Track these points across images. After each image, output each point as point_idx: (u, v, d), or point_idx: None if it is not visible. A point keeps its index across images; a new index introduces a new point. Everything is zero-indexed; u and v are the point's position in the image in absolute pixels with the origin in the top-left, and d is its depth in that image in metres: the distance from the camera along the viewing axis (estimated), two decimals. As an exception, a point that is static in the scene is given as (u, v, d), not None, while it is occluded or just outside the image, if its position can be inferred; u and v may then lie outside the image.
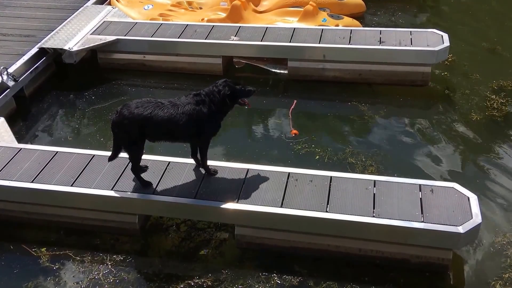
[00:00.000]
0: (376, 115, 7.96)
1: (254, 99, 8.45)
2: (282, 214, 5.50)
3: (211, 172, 5.96)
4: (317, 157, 7.11)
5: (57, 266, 5.74)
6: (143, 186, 5.86)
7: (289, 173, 6.00)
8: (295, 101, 7.79)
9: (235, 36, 8.98)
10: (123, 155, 5.97)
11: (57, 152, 6.45)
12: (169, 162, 6.19)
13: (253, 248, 5.84)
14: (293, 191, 5.74)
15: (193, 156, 6.02)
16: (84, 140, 7.64)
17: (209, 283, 5.47)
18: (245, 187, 5.82)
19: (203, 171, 5.98)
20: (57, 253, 5.89)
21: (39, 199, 6.08)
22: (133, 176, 5.95)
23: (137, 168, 5.84)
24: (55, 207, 6.10)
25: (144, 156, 6.06)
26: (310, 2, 9.96)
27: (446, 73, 8.94)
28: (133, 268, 5.68)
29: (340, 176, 5.94)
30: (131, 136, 5.54)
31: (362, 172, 6.70)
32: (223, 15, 10.13)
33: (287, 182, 5.87)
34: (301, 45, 8.68)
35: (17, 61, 8.46)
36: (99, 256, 5.82)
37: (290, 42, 8.76)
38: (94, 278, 5.58)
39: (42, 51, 8.89)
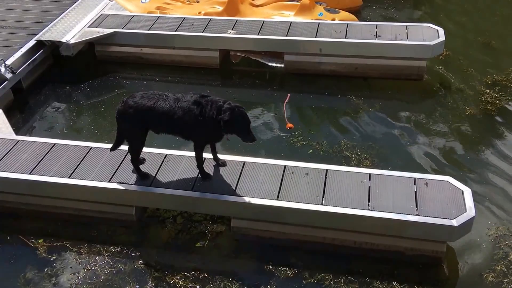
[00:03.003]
0: (371, 108, 8.00)
1: (251, 92, 8.54)
2: (278, 207, 5.55)
3: (204, 175, 5.91)
4: (312, 150, 7.15)
5: (54, 257, 5.77)
6: (141, 177, 5.90)
7: (285, 166, 6.04)
8: (288, 94, 7.83)
9: (232, 29, 9.00)
10: (122, 147, 6.03)
11: (54, 144, 6.48)
12: (166, 155, 6.23)
13: (249, 240, 5.88)
14: (289, 184, 5.78)
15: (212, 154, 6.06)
16: (81, 132, 7.68)
17: (205, 275, 5.51)
18: (241, 179, 5.86)
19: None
20: (54, 244, 5.92)
21: (36, 191, 6.12)
22: (131, 168, 5.99)
23: (137, 160, 5.89)
24: (53, 198, 6.14)
25: (143, 149, 6.09)
26: (307, -4, 9.99)
27: (441, 67, 8.99)
28: (130, 260, 5.71)
29: (335, 169, 5.99)
30: (134, 126, 5.62)
31: (357, 165, 6.75)
32: (220, 8, 10.14)
33: (283, 175, 5.91)
34: (297, 39, 8.71)
35: (15, 53, 8.48)
36: (96, 247, 5.86)
37: (286, 36, 8.78)
38: (91, 269, 5.62)
39: (40, 44, 8.91)
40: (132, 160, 5.89)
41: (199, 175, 5.91)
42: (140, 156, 6.01)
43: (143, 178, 5.90)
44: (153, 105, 5.47)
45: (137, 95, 5.59)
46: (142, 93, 5.60)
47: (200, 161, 5.83)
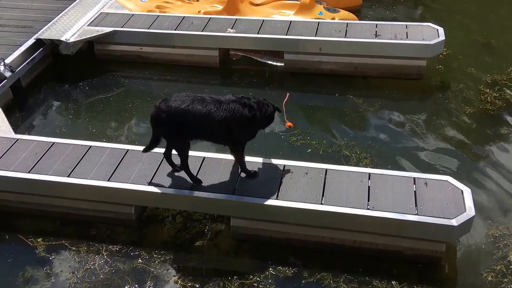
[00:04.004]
0: (371, 108, 8.00)
1: (251, 91, 8.53)
2: (277, 206, 5.54)
3: (251, 174, 5.87)
4: (312, 149, 7.14)
5: (53, 256, 5.77)
6: (195, 182, 5.79)
7: (284, 165, 6.03)
8: (287, 94, 7.81)
9: (231, 28, 8.99)
10: (118, 146, 6.03)
11: (53, 143, 6.46)
12: (163, 154, 6.20)
13: (248, 240, 5.88)
14: (288, 183, 5.77)
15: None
16: (80, 131, 7.66)
17: (204, 274, 5.52)
18: (241, 179, 5.86)
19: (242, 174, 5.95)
20: (53, 243, 5.92)
21: (35, 190, 6.11)
22: (130, 167, 5.99)
23: (187, 164, 5.74)
24: (52, 197, 6.13)
25: (142, 148, 6.08)
26: (307, -5, 9.98)
27: (441, 66, 8.98)
28: (129, 259, 5.71)
29: (335, 169, 5.98)
30: (169, 131, 5.50)
31: (357, 165, 6.74)
32: (220, 7, 10.13)
33: (282, 174, 5.91)
34: (297, 38, 8.70)
35: (14, 52, 8.46)
36: (95, 246, 5.86)
37: (286, 35, 8.78)
38: (90, 268, 5.61)
39: (39, 42, 8.90)
40: (181, 166, 5.79)
41: (198, 174, 5.90)
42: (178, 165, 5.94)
43: (197, 183, 5.79)
44: (188, 108, 5.32)
45: (169, 98, 5.43)
46: (175, 96, 5.44)
47: (244, 163, 5.83)
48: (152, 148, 5.82)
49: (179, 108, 5.33)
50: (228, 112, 5.35)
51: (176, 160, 5.82)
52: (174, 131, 5.48)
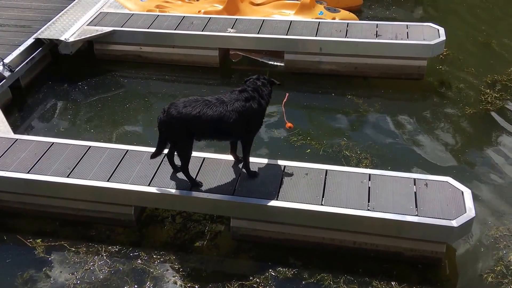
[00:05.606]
0: (371, 108, 7.99)
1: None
2: (277, 207, 5.53)
3: (251, 172, 5.88)
4: (312, 149, 7.13)
5: (52, 257, 5.76)
6: (195, 185, 5.77)
7: (284, 166, 6.02)
8: (287, 94, 7.82)
9: (231, 28, 8.98)
10: (117, 146, 5.99)
11: (53, 143, 6.45)
12: (166, 155, 6.19)
13: (248, 240, 5.86)
14: (288, 184, 5.76)
15: (233, 153, 6.02)
16: (79, 131, 7.65)
17: (204, 275, 5.50)
18: (240, 179, 5.84)
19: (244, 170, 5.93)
20: (52, 244, 5.90)
21: (35, 190, 6.09)
22: (130, 167, 5.97)
23: (187, 167, 5.71)
24: (51, 198, 6.11)
25: (142, 148, 6.08)
26: (307, -5, 9.97)
27: (441, 66, 8.97)
28: (129, 259, 5.70)
29: (335, 170, 5.96)
30: (178, 136, 5.46)
31: (357, 165, 6.73)
32: (220, 7, 10.12)
33: (282, 175, 5.89)
34: (297, 38, 8.69)
35: (13, 51, 8.45)
36: (94, 247, 5.84)
37: (286, 35, 8.76)
38: (89, 269, 5.60)
39: (38, 42, 8.88)
40: (182, 169, 5.76)
41: (198, 174, 5.88)
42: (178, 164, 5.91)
43: (196, 186, 5.78)
44: (199, 114, 5.31)
45: (178, 103, 5.37)
46: (184, 101, 5.40)
47: (249, 160, 5.83)
48: (160, 152, 5.77)
49: (191, 115, 5.31)
50: (237, 113, 5.39)
51: (178, 161, 5.81)
52: (183, 136, 5.46)
